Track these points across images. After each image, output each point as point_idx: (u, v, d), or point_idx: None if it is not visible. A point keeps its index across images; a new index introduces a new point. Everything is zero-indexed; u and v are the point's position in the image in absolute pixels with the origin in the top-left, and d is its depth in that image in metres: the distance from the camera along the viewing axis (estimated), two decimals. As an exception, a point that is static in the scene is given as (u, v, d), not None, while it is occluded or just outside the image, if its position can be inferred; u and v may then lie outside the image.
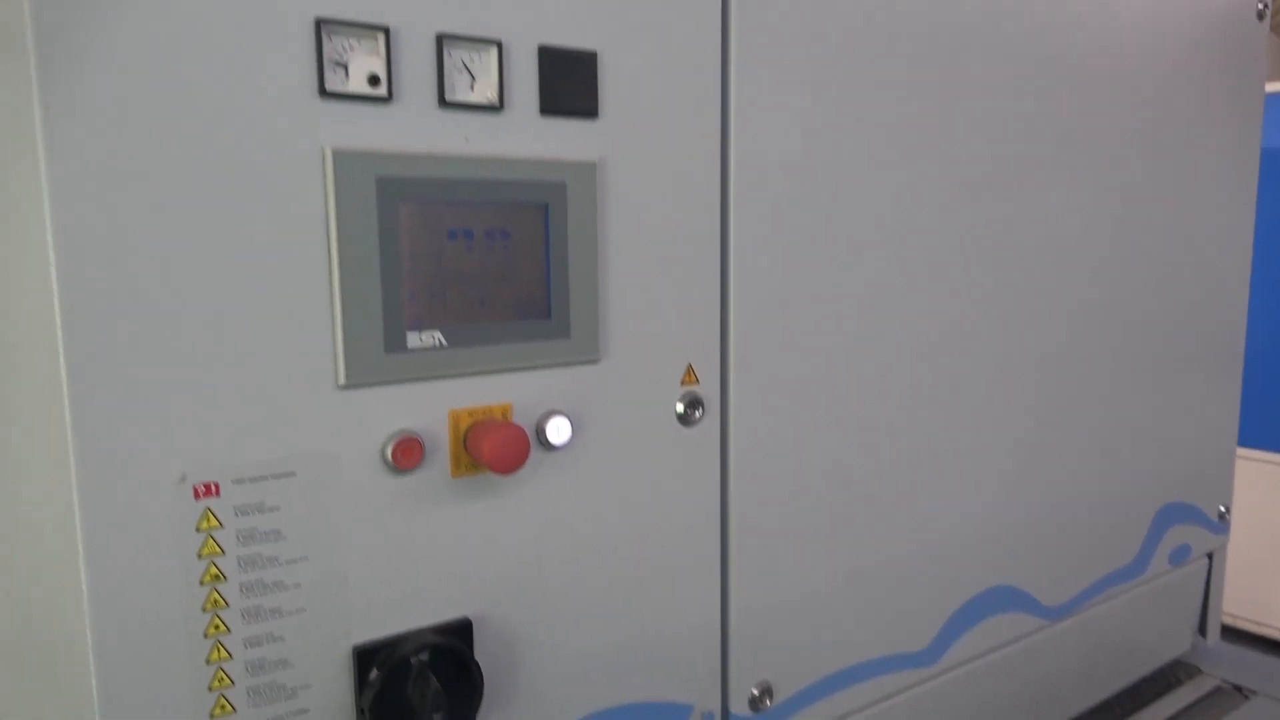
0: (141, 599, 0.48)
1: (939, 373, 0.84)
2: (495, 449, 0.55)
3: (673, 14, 0.63)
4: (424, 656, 0.56)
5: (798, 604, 0.76)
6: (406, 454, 0.55)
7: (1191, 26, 1.04)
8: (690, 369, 0.67)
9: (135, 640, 0.48)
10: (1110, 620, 1.08)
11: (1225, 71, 1.09)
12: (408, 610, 0.57)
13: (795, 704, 0.77)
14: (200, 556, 0.50)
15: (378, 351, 0.53)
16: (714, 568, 0.70)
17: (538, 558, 0.61)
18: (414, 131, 0.54)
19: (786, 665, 0.76)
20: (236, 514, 0.50)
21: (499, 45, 0.55)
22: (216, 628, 0.51)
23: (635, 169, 0.62)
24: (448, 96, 0.54)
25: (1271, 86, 1.51)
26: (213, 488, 0.50)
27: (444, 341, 0.56)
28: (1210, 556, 1.23)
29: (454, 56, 0.54)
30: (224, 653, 0.51)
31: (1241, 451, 1.28)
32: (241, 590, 0.51)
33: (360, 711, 0.55)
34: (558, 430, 0.60)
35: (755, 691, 0.74)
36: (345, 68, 0.51)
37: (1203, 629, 1.24)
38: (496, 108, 0.56)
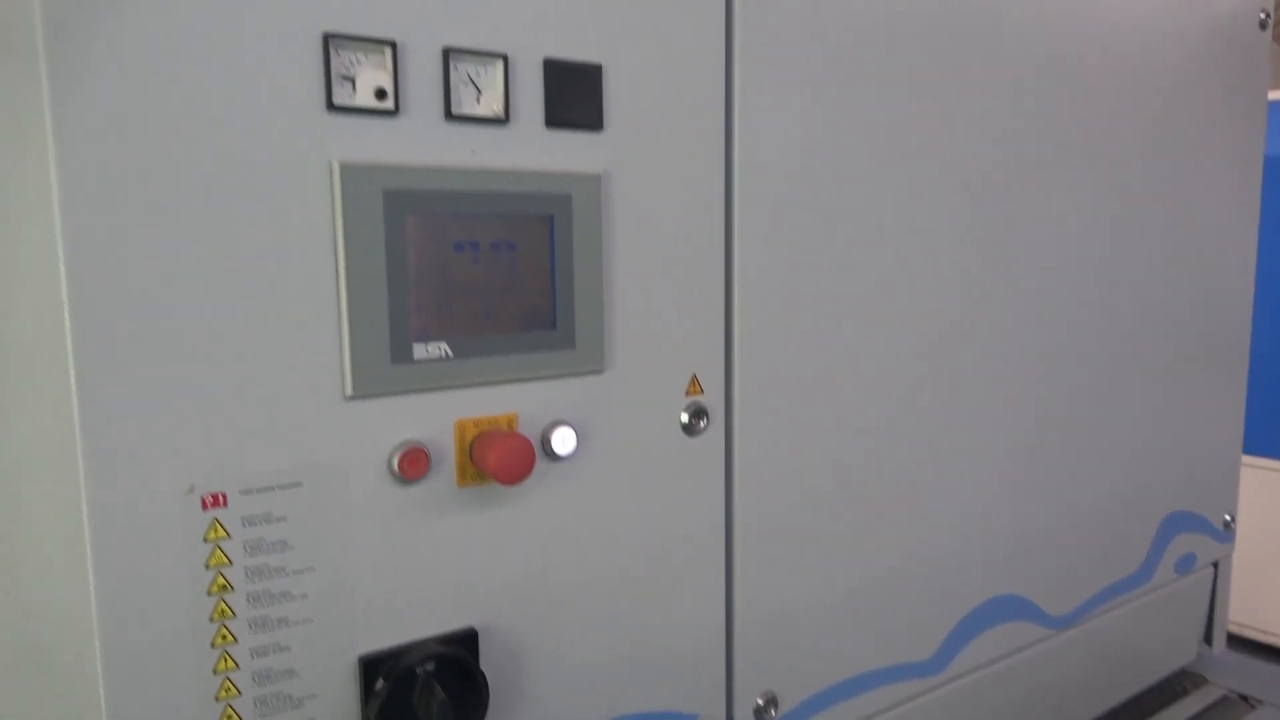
0: (149, 609, 0.48)
1: (943, 382, 0.84)
2: (501, 459, 0.55)
3: (677, 26, 0.63)
4: (430, 666, 0.56)
5: (802, 614, 0.76)
6: (413, 464, 0.55)
7: (1194, 35, 1.04)
8: (695, 379, 0.67)
9: (143, 650, 0.48)
10: (1115, 630, 1.08)
11: (1228, 80, 1.10)
12: (413, 620, 0.57)
13: (800, 714, 0.77)
14: (208, 567, 0.50)
15: (384, 363, 0.54)
16: (718, 578, 0.71)
17: (543, 568, 0.62)
18: (420, 144, 0.54)
19: (791, 675, 0.76)
20: (244, 524, 0.51)
21: (505, 59, 0.56)
22: (224, 638, 0.51)
23: (640, 180, 0.63)
24: (454, 110, 0.55)
25: (1274, 95, 1.51)
26: (220, 498, 0.50)
27: (450, 353, 0.56)
28: (1216, 565, 1.22)
29: (460, 70, 0.55)
30: (231, 663, 0.51)
31: (1246, 459, 1.28)
32: (248, 600, 0.51)
33: (366, 721, 0.55)
34: (563, 440, 0.60)
35: (760, 701, 0.74)
36: (353, 82, 0.51)
37: (1209, 638, 1.24)
38: (502, 120, 0.57)
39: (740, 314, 0.69)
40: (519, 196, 0.57)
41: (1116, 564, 1.06)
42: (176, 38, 0.46)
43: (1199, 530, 1.17)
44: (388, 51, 0.52)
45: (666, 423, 0.66)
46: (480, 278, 0.56)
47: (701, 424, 0.68)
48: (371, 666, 0.55)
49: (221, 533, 0.50)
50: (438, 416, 0.56)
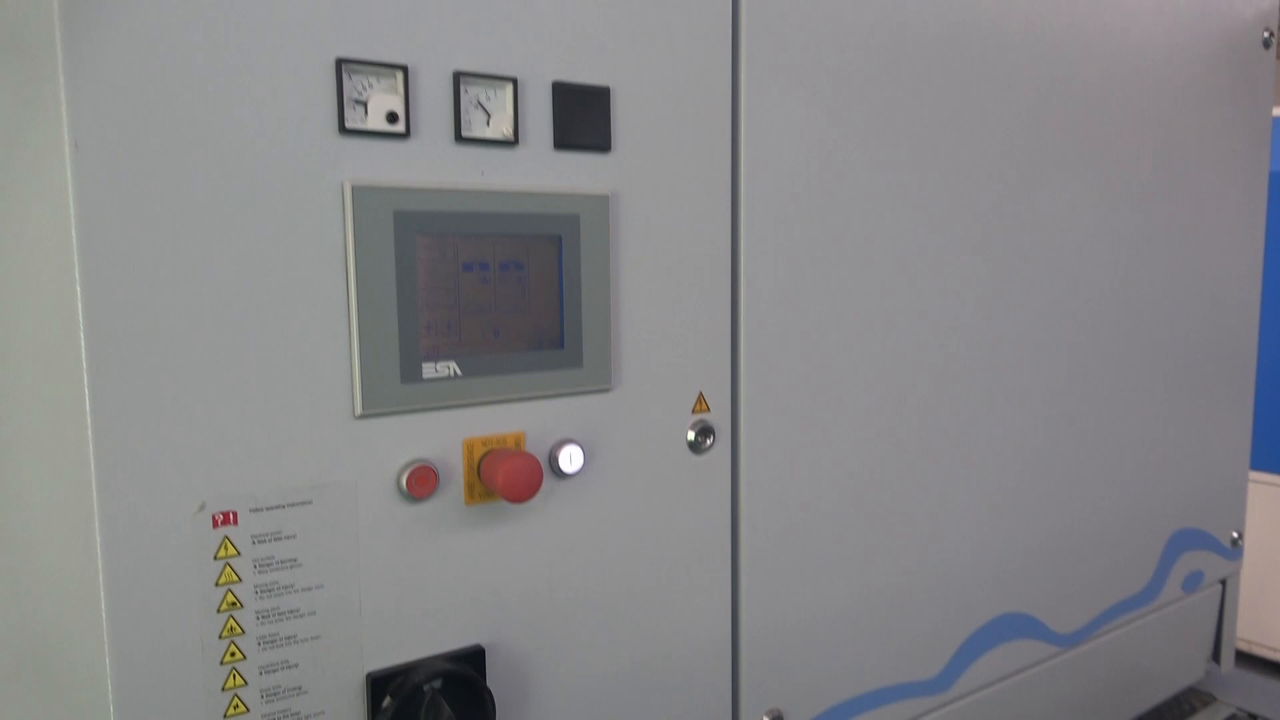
0: (160, 626, 0.49)
1: (949, 399, 0.84)
2: (508, 477, 0.56)
3: (684, 49, 0.64)
4: (437, 684, 0.56)
5: (808, 631, 0.76)
6: (421, 483, 0.55)
7: (1199, 53, 1.05)
8: (701, 397, 0.68)
9: (153, 666, 0.49)
10: (1122, 648, 1.07)
11: (1233, 97, 1.10)
12: (421, 638, 0.57)
13: (806, 732, 0.77)
14: (218, 584, 0.50)
15: (394, 382, 0.54)
16: (725, 595, 0.71)
17: (550, 585, 0.62)
18: (431, 166, 0.55)
19: (798, 693, 0.76)
20: (254, 542, 0.51)
21: (514, 82, 0.57)
22: (233, 654, 0.51)
23: (647, 201, 0.63)
24: (464, 132, 0.55)
25: (1278, 111, 1.51)
26: (231, 516, 0.50)
27: (459, 371, 0.56)
28: (1223, 583, 1.22)
29: (470, 94, 0.55)
30: (240, 679, 0.52)
31: (1253, 475, 1.28)
32: (258, 618, 0.52)
33: (374, 739, 0.55)
34: (570, 459, 0.61)
35: (767, 719, 0.74)
36: (364, 105, 0.52)
37: (1217, 656, 1.23)
38: (511, 143, 0.57)
39: (746, 332, 0.69)
40: (527, 217, 0.58)
41: (1123, 581, 1.06)
42: (192, 62, 0.47)
43: (1206, 547, 1.17)
44: (399, 75, 0.53)
45: (673, 440, 0.67)
46: (489, 297, 0.57)
47: (708, 442, 0.68)
48: (379, 684, 0.55)
49: (232, 550, 0.51)
50: (446, 435, 0.57)
